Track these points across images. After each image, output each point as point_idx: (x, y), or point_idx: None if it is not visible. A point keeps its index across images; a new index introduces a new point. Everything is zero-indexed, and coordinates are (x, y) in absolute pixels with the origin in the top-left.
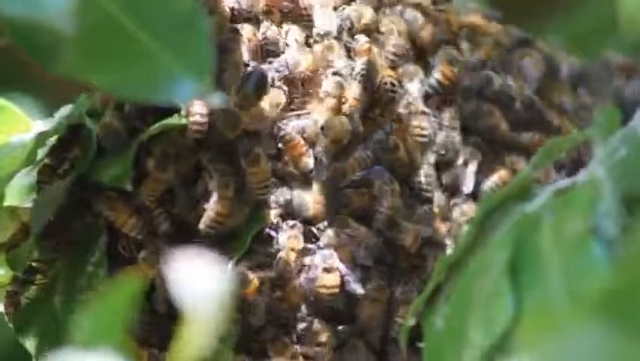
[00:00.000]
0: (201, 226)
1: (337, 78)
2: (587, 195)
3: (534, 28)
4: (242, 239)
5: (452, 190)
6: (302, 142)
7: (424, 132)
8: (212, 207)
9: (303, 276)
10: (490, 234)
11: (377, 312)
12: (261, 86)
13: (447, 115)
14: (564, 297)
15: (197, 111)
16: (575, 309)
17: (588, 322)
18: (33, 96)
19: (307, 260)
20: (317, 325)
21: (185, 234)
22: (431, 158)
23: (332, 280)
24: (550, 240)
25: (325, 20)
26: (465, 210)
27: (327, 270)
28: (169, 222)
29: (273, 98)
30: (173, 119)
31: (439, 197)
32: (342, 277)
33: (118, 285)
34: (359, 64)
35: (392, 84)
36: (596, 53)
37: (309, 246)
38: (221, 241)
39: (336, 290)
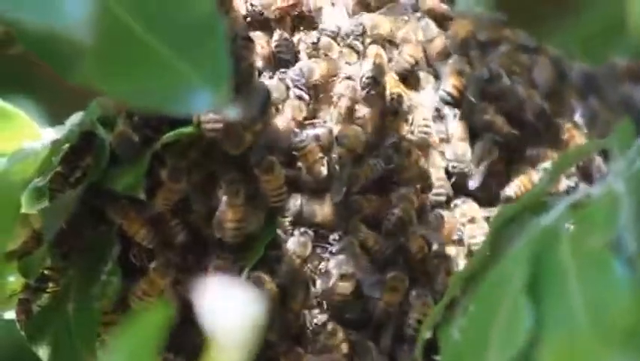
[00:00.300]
0: (225, 239)
1: (350, 82)
2: (605, 208)
3: (540, 31)
4: (256, 246)
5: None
6: (317, 149)
7: (429, 123)
8: (224, 216)
9: (317, 283)
10: (506, 247)
11: (395, 301)
12: (267, 105)
13: (454, 125)
14: (586, 316)
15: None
16: (598, 334)
17: (614, 352)
18: (37, 102)
19: (322, 267)
20: (331, 331)
21: (199, 244)
22: (442, 162)
23: (347, 287)
24: (570, 254)
25: (335, 21)
26: (465, 211)
27: (343, 277)
28: (185, 233)
29: (295, 110)
30: (187, 128)
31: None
32: (357, 283)
33: (143, 317)
34: (365, 67)
35: (399, 96)
36: (602, 56)
37: (323, 254)
38: (236, 249)
39: (350, 297)
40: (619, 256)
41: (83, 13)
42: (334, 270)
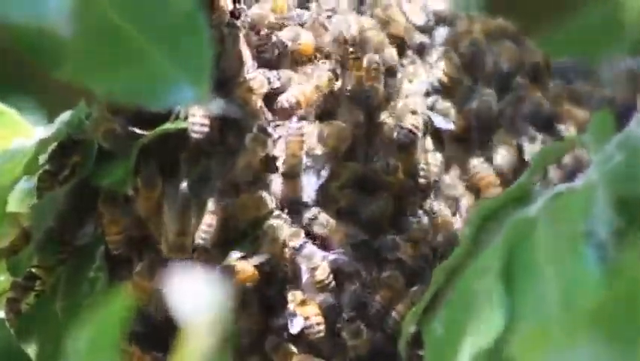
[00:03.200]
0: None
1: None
2: (582, 199)
3: (537, 27)
4: (242, 244)
5: None
6: (299, 144)
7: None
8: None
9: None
10: (488, 239)
11: (390, 298)
12: None
13: None
14: (557, 303)
15: (198, 113)
16: (569, 318)
17: (583, 334)
18: (34, 100)
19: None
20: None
21: None
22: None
23: (322, 273)
24: (544, 244)
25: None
26: None
27: (313, 269)
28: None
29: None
30: (172, 124)
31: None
32: (331, 264)
33: (112, 299)
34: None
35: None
36: (598, 53)
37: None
38: (220, 246)
39: (330, 281)
40: (591, 244)
41: (64, 7)
42: (303, 265)
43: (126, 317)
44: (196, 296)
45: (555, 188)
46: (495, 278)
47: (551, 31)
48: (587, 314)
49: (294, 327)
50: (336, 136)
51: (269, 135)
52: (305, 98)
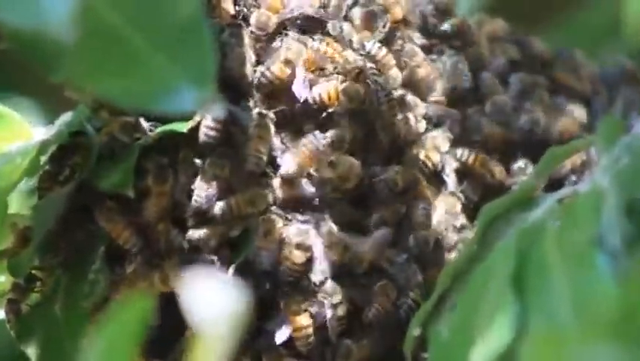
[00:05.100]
0: None
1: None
2: (590, 204)
3: (539, 29)
4: (242, 246)
5: None
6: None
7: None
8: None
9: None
10: (494, 242)
11: (386, 306)
12: None
13: None
14: (570, 310)
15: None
16: (583, 326)
17: (597, 342)
18: (34, 102)
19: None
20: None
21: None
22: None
23: (299, 256)
24: (555, 249)
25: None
26: None
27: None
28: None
29: None
30: (174, 125)
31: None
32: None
33: (126, 306)
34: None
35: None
36: (598, 54)
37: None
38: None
39: (303, 268)
40: (603, 251)
41: (65, 11)
42: (293, 238)
43: (142, 324)
44: (211, 301)
45: (560, 191)
46: (505, 283)
47: (552, 30)
48: (602, 322)
49: (279, 338)
50: (348, 171)
51: (270, 120)
52: (332, 97)
